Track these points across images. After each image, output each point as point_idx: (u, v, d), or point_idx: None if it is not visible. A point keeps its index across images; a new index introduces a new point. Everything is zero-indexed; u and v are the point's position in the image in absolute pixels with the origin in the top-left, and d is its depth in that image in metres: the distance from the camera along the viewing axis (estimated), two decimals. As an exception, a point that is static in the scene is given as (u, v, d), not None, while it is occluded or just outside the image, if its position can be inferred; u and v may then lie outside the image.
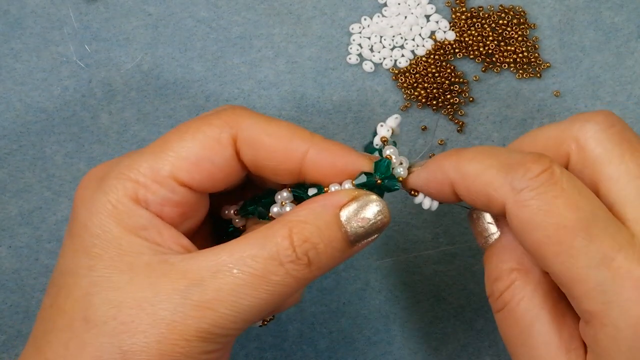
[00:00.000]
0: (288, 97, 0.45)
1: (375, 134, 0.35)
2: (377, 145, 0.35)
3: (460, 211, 0.45)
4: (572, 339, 0.32)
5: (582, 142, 0.32)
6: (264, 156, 0.34)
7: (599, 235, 0.30)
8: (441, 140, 0.45)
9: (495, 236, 0.35)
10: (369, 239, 0.33)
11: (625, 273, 0.29)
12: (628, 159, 0.31)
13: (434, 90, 0.45)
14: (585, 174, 0.32)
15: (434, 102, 0.45)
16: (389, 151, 0.35)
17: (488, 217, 0.35)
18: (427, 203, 0.35)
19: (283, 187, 0.36)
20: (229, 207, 0.37)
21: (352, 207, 0.33)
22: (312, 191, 0.34)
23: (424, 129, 0.45)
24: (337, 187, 0.34)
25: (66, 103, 0.44)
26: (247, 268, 0.31)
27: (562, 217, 0.30)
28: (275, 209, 0.35)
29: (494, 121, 0.45)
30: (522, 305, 0.33)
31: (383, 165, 0.34)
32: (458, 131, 0.45)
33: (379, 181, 0.34)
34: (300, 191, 0.35)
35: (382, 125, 0.35)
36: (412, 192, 0.35)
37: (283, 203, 0.35)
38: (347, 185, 0.34)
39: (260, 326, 0.39)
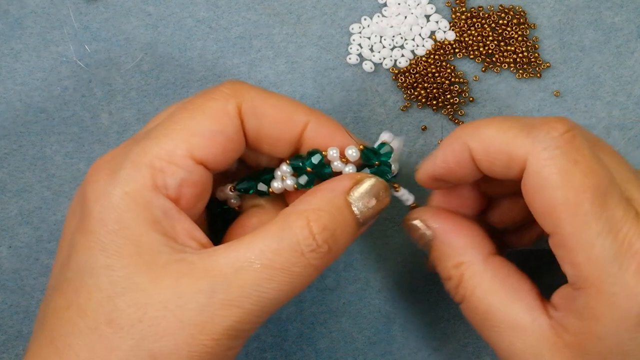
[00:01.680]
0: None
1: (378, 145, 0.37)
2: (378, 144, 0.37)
3: (460, 211, 0.45)
4: (530, 309, 0.33)
5: (534, 167, 0.32)
6: (267, 126, 0.34)
7: (612, 205, 0.30)
8: (441, 140, 0.45)
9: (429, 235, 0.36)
10: (373, 219, 0.34)
11: (629, 244, 0.30)
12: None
13: (434, 90, 0.45)
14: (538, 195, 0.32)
15: (434, 102, 0.45)
16: (391, 143, 0.36)
17: (419, 224, 0.36)
18: (407, 197, 0.38)
19: (279, 163, 0.36)
20: (224, 187, 0.37)
21: (359, 190, 0.34)
22: (316, 158, 0.35)
23: (424, 129, 0.45)
24: (335, 151, 0.35)
25: (66, 103, 0.44)
26: (269, 262, 0.31)
27: (583, 182, 0.30)
28: (275, 184, 0.36)
29: (494, 121, 0.45)
30: (476, 294, 0.34)
31: (385, 151, 0.36)
32: (458, 131, 0.45)
33: (376, 163, 0.36)
34: (298, 162, 0.35)
35: (386, 132, 0.37)
36: (394, 186, 0.37)
37: (284, 177, 0.35)
38: (349, 168, 0.35)
39: None
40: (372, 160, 0.36)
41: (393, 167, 0.36)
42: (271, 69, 0.45)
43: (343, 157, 0.36)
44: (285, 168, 0.36)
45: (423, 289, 0.45)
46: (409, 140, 0.45)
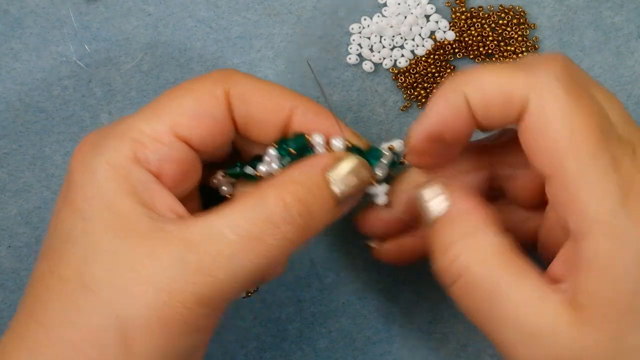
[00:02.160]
0: (288, 97, 0.45)
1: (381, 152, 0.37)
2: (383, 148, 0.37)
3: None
4: (540, 288, 0.31)
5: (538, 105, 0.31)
6: (254, 110, 0.35)
7: (613, 142, 0.30)
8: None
9: (439, 209, 0.34)
10: (353, 199, 0.34)
11: (631, 180, 0.29)
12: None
13: (434, 91, 0.45)
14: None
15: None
16: (394, 144, 0.36)
17: (427, 194, 0.34)
18: (381, 197, 0.37)
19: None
20: (216, 173, 0.37)
21: (338, 167, 0.33)
22: (299, 141, 0.35)
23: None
24: (319, 137, 0.35)
25: (66, 103, 0.44)
26: (243, 232, 0.31)
27: (587, 119, 0.30)
28: (262, 168, 0.36)
29: (494, 121, 0.45)
30: (479, 270, 0.31)
31: (375, 153, 0.36)
32: (458, 131, 0.45)
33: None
34: (284, 146, 0.35)
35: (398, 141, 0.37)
36: (372, 182, 0.36)
37: (270, 161, 0.36)
38: (337, 142, 0.35)
39: (244, 298, 0.39)
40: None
41: (379, 172, 0.36)
42: (271, 69, 0.45)
43: (329, 146, 0.36)
44: (271, 151, 0.36)
45: (423, 289, 0.45)
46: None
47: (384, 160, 0.36)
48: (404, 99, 0.45)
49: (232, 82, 0.35)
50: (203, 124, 0.34)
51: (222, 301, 0.31)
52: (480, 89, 0.32)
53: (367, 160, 0.35)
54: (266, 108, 0.35)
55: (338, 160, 0.34)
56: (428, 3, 0.45)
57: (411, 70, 0.45)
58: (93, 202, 0.32)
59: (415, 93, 0.45)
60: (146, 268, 0.30)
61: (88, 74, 0.45)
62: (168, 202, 0.33)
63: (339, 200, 0.33)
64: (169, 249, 0.31)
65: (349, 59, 0.45)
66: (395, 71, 0.45)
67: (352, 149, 0.35)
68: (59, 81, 0.44)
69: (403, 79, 0.45)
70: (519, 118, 0.31)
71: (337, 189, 0.33)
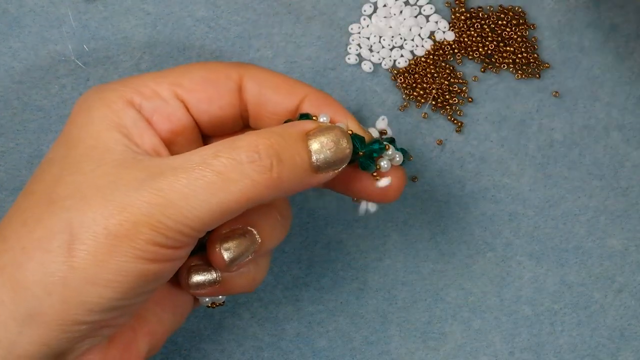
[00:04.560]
0: (287, 96, 0.45)
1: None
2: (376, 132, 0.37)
3: (458, 211, 0.45)
4: None
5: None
6: (267, 92, 0.36)
7: None
8: (439, 141, 0.45)
9: None
10: (331, 170, 0.34)
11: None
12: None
13: (433, 91, 0.45)
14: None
15: (433, 102, 0.45)
16: (390, 148, 0.36)
17: None
18: (362, 208, 0.37)
19: None
20: None
21: (319, 132, 0.34)
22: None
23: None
24: (325, 117, 0.35)
25: (64, 101, 0.44)
26: (207, 165, 0.31)
27: None
28: None
29: (493, 121, 0.45)
30: None
31: (375, 147, 0.35)
32: (457, 131, 0.45)
33: (360, 153, 0.35)
34: None
35: (383, 119, 0.37)
36: (354, 200, 0.37)
37: None
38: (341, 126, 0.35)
39: (209, 307, 0.39)
40: (357, 149, 0.35)
41: (384, 164, 0.36)
42: (270, 68, 0.45)
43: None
44: None
45: (420, 288, 0.45)
46: (407, 141, 0.45)
47: (389, 152, 0.36)
48: (403, 99, 0.45)
49: (248, 67, 0.36)
50: (205, 90, 0.35)
51: (179, 234, 0.31)
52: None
53: (370, 152, 0.35)
54: (279, 90, 0.36)
55: (320, 127, 0.34)
56: (427, 3, 0.45)
57: (410, 71, 0.45)
58: (80, 130, 0.33)
59: (415, 93, 0.45)
60: (109, 187, 0.31)
61: (86, 73, 0.44)
62: (152, 142, 0.33)
63: (315, 166, 0.33)
64: (136, 174, 0.31)
65: (348, 59, 0.45)
66: (395, 71, 0.45)
67: (354, 137, 0.35)
68: (57, 80, 0.44)
69: (402, 79, 0.45)
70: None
71: (314, 153, 0.33)
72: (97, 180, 0.31)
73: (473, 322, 0.45)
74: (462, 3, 0.45)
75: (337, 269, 0.45)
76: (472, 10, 0.45)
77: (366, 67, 0.45)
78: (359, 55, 0.45)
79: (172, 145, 0.35)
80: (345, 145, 0.34)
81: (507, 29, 0.45)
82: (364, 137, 0.35)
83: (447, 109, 0.45)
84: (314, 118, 0.35)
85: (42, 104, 0.44)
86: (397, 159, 0.36)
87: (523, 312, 0.45)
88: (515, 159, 0.45)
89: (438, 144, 0.45)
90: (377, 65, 0.45)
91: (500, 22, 0.45)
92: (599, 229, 0.45)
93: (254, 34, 0.45)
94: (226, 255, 0.34)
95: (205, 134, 0.37)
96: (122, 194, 0.30)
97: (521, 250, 0.45)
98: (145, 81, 0.34)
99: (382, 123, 0.38)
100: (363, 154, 0.35)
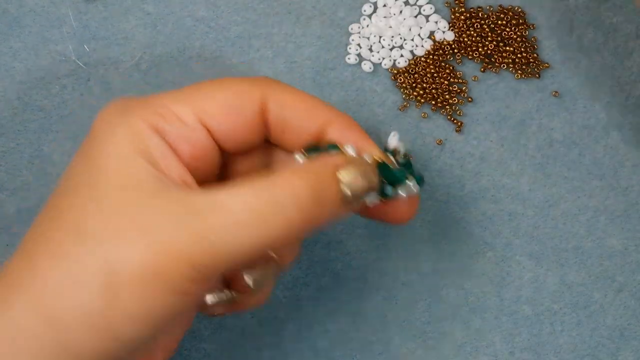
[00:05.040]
0: (287, 96, 0.45)
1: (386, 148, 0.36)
2: (390, 150, 0.36)
3: (458, 211, 0.45)
4: None
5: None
6: (291, 115, 0.35)
7: None
8: (439, 140, 0.45)
9: None
10: (358, 202, 0.34)
11: None
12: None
13: (433, 91, 0.45)
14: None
15: (433, 102, 0.45)
16: (409, 181, 0.36)
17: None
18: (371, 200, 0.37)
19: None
20: None
21: (350, 167, 0.33)
22: (332, 148, 0.36)
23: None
24: (352, 149, 0.35)
25: (64, 102, 0.44)
26: (248, 207, 0.31)
27: None
28: None
29: (493, 121, 0.45)
30: None
31: (401, 176, 0.35)
32: (456, 131, 0.45)
33: (384, 181, 0.35)
34: (314, 152, 0.36)
35: (394, 135, 0.37)
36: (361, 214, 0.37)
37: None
38: (367, 158, 0.35)
39: (209, 315, 0.39)
40: (386, 176, 0.35)
41: (403, 193, 0.36)
42: (270, 68, 0.45)
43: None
44: (298, 157, 0.36)
45: (420, 288, 0.45)
46: (407, 141, 0.45)
47: (410, 182, 0.36)
48: (403, 99, 0.45)
49: (272, 87, 0.35)
50: (229, 116, 0.34)
51: (214, 271, 0.31)
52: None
53: (395, 180, 0.36)
54: (304, 114, 0.35)
55: (349, 161, 0.34)
56: (427, 3, 0.45)
57: (410, 71, 0.45)
58: (106, 156, 0.32)
59: (415, 93, 0.45)
60: (145, 221, 0.30)
61: (87, 73, 0.45)
62: (179, 171, 0.33)
63: (345, 199, 0.33)
64: (171, 208, 0.31)
65: (348, 59, 0.45)
66: (395, 71, 0.45)
67: (380, 166, 0.35)
68: (57, 80, 0.44)
69: (402, 79, 0.45)
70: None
71: (345, 187, 0.33)
72: (131, 212, 0.31)
73: (473, 322, 0.45)
74: (461, 3, 0.45)
75: (337, 269, 0.45)
76: (471, 10, 0.46)
77: (366, 67, 0.45)
78: (358, 55, 0.45)
79: (195, 170, 0.34)
80: (374, 180, 0.34)
81: (507, 29, 0.45)
82: (389, 166, 0.36)
83: (447, 108, 0.45)
84: (341, 148, 0.35)
85: (43, 104, 0.44)
86: (414, 190, 0.36)
87: (523, 312, 0.45)
88: (515, 159, 0.45)
89: (438, 143, 0.45)
90: (377, 65, 0.45)
91: (500, 22, 0.45)
92: (598, 229, 0.45)
93: (254, 34, 0.45)
94: (251, 282, 0.35)
95: (223, 149, 0.36)
96: (159, 230, 0.30)
97: (521, 250, 0.45)
98: (167, 104, 0.34)
99: (394, 140, 0.37)
100: (387, 183, 0.35)
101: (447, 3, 0.46)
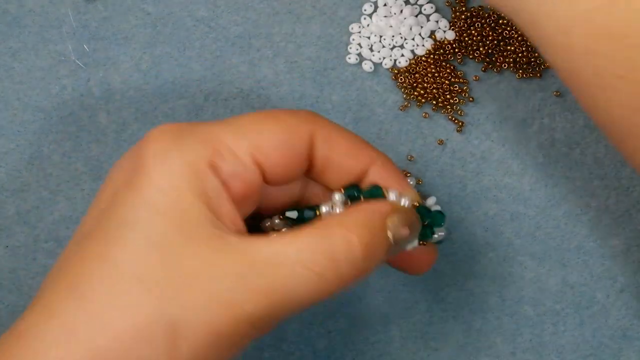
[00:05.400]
0: (287, 96, 0.45)
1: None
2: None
3: (459, 211, 0.45)
4: None
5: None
6: (337, 153, 0.35)
7: None
8: (440, 140, 0.45)
9: None
10: (400, 250, 0.34)
11: None
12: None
13: (434, 90, 0.45)
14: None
15: (434, 102, 0.45)
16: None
17: None
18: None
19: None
20: (272, 218, 0.36)
21: (396, 216, 0.33)
22: (375, 192, 0.36)
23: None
24: (394, 193, 0.35)
25: (64, 102, 0.44)
26: (308, 264, 0.31)
27: None
28: (324, 209, 0.35)
29: (494, 121, 0.45)
30: None
31: (440, 219, 0.37)
32: (458, 131, 0.45)
33: (425, 223, 0.36)
34: (353, 191, 0.35)
35: (431, 197, 0.39)
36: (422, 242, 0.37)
37: (333, 206, 0.35)
38: (406, 201, 0.35)
39: None
40: (424, 218, 0.36)
41: (436, 236, 0.37)
42: (270, 68, 0.45)
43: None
44: (337, 196, 0.35)
45: (422, 289, 0.45)
46: (407, 141, 0.45)
47: (444, 224, 0.37)
48: (404, 98, 0.45)
49: (319, 124, 0.35)
50: (281, 154, 0.33)
51: (269, 324, 0.31)
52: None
53: (435, 222, 0.36)
54: (348, 153, 0.35)
55: (396, 209, 0.34)
56: (428, 2, 0.45)
57: (411, 70, 0.45)
58: (162, 196, 0.31)
59: (415, 93, 0.45)
60: (205, 274, 0.30)
61: (87, 73, 0.45)
62: (232, 215, 0.32)
63: (391, 249, 0.34)
64: (232, 262, 0.30)
65: (349, 58, 0.45)
66: (395, 71, 0.45)
67: (420, 208, 0.36)
68: (57, 80, 0.44)
69: (403, 78, 0.45)
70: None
71: (391, 237, 0.33)
72: (191, 262, 0.30)
73: (474, 322, 0.45)
74: (462, 2, 0.45)
75: (338, 270, 0.45)
76: (472, 9, 0.45)
77: (367, 66, 0.45)
78: (359, 54, 0.45)
79: (241, 206, 0.33)
80: (417, 227, 0.35)
81: (508, 28, 0.45)
82: (429, 209, 0.36)
83: (448, 108, 0.45)
84: (384, 192, 0.35)
85: (43, 104, 0.44)
86: (443, 234, 0.37)
87: (525, 312, 0.45)
88: (517, 159, 0.45)
89: (439, 143, 0.45)
90: (377, 65, 0.45)
91: (501, 21, 0.45)
92: (600, 229, 0.45)
93: (254, 34, 0.45)
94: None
95: (268, 184, 0.35)
96: (224, 289, 0.30)
97: (523, 250, 0.45)
98: (222, 137, 0.32)
99: (431, 201, 0.39)
100: (426, 225, 0.36)
101: (448, 2, 0.46)
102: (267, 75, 0.45)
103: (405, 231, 0.34)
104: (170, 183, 0.31)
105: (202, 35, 0.45)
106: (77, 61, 0.45)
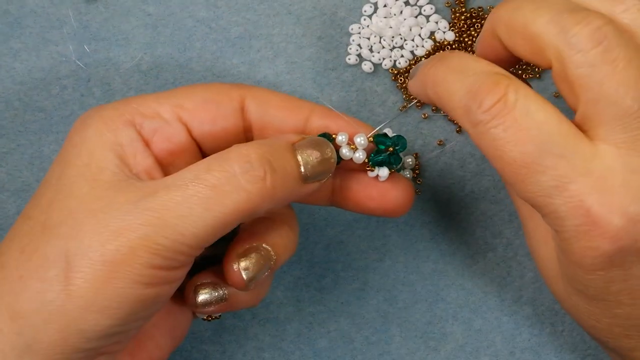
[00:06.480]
0: (287, 97, 0.45)
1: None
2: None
3: (459, 211, 0.45)
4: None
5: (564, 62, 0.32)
6: (272, 112, 0.35)
7: (552, 164, 0.30)
8: (440, 141, 0.45)
9: None
10: (318, 180, 0.34)
11: (578, 203, 0.30)
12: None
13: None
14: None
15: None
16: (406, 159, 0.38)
17: None
18: (381, 174, 0.37)
19: None
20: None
21: (306, 143, 0.34)
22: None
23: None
24: (344, 137, 0.36)
25: (65, 102, 0.44)
26: (200, 180, 0.31)
27: (514, 151, 0.30)
28: None
29: (493, 122, 0.45)
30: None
31: (401, 140, 0.37)
32: (457, 131, 0.45)
33: (390, 149, 0.36)
34: None
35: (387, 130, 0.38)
36: (368, 168, 0.37)
37: None
38: (359, 154, 0.36)
39: (205, 320, 0.39)
40: (386, 144, 0.36)
41: (409, 160, 0.38)
42: (270, 69, 0.45)
43: (352, 144, 0.36)
44: None
45: (421, 288, 0.45)
46: (408, 141, 0.45)
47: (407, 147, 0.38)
48: (404, 99, 0.45)
49: (249, 88, 0.36)
50: (207, 111, 0.35)
51: (176, 254, 0.31)
52: (510, 38, 0.33)
53: (397, 149, 0.37)
54: (283, 110, 0.36)
55: (306, 137, 0.34)
56: (428, 3, 0.45)
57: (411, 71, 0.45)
58: (74, 148, 0.33)
59: (415, 93, 0.45)
60: (100, 210, 0.31)
61: (87, 74, 0.45)
62: (147, 164, 0.33)
63: (303, 175, 0.33)
64: (128, 195, 0.31)
65: (349, 59, 0.45)
66: (395, 72, 0.45)
67: (378, 138, 0.36)
68: (58, 81, 0.44)
69: (403, 79, 0.45)
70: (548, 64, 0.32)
71: (302, 162, 0.33)
72: (90, 204, 0.31)
73: (474, 322, 0.45)
74: (462, 3, 0.45)
75: (337, 270, 0.45)
76: (472, 10, 0.45)
77: (366, 67, 0.45)
78: (359, 55, 0.45)
79: (171, 167, 0.34)
80: (330, 155, 0.34)
81: (507, 29, 0.45)
82: (387, 133, 0.37)
83: (448, 109, 0.45)
84: (333, 136, 0.36)
85: (43, 104, 0.44)
86: (410, 161, 0.38)
87: (524, 312, 0.45)
88: (516, 159, 0.45)
89: (438, 144, 0.45)
90: (377, 66, 0.45)
91: (500, 22, 0.45)
92: (599, 229, 0.45)
93: (254, 35, 0.45)
94: (245, 274, 0.34)
95: (205, 150, 0.36)
96: (116, 218, 0.30)
97: (522, 250, 0.45)
98: (147, 101, 0.34)
99: (388, 131, 0.39)
100: (393, 150, 0.36)
101: (447, 3, 0.46)
102: (267, 76, 0.45)
103: (315, 154, 0.33)
104: (82, 139, 0.33)
105: (202, 36, 0.45)
106: (77, 62, 0.45)
